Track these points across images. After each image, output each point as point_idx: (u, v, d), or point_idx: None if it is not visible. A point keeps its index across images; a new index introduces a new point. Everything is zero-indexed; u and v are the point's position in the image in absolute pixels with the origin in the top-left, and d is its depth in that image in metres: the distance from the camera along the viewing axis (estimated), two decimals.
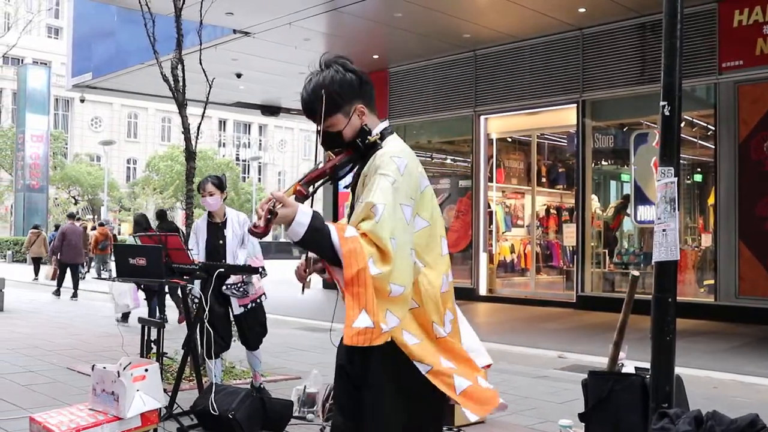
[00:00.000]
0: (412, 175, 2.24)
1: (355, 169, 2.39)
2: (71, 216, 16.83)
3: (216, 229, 5.51)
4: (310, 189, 2.26)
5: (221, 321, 5.52)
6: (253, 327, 5.63)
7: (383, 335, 2.09)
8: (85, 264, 19.67)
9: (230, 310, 5.60)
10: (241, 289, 5.47)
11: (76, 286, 14.91)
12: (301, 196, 2.17)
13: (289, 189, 2.17)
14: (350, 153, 2.34)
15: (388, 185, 2.16)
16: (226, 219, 5.53)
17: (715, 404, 4.10)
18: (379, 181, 2.17)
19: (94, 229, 21.77)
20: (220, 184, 5.49)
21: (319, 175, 2.29)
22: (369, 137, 2.33)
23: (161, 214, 11.83)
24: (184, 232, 10.85)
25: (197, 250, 5.51)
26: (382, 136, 2.36)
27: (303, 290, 2.42)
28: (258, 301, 5.65)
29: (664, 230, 3.51)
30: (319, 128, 2.32)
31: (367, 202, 2.14)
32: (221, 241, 5.46)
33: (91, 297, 15.17)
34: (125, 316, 9.95)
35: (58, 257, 15.04)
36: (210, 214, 5.58)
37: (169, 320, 9.21)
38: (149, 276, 4.97)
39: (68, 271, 15.14)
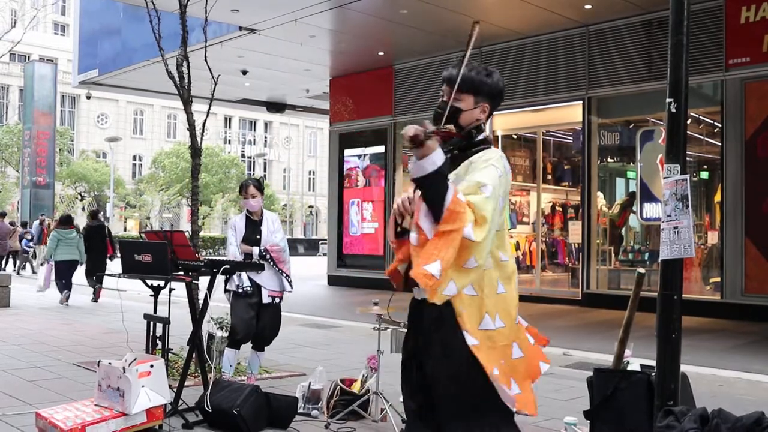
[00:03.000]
0: (508, 179, 2.50)
1: (448, 156, 2.51)
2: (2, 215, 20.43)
3: (254, 225, 5.86)
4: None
5: (249, 310, 5.67)
6: (269, 326, 5.76)
7: (440, 294, 2.28)
8: (11, 257, 22.35)
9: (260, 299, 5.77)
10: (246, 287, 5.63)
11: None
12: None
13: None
14: (463, 138, 2.56)
15: (497, 175, 2.40)
16: (262, 217, 5.90)
17: (721, 402, 4.09)
18: (489, 169, 2.41)
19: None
20: (260, 187, 5.90)
21: (447, 136, 2.48)
22: (484, 133, 2.60)
23: (93, 214, 14.16)
24: (109, 230, 14.44)
25: (236, 244, 5.80)
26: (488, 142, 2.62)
27: (396, 234, 2.54)
28: (279, 300, 5.81)
29: (676, 228, 3.50)
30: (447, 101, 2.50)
31: (477, 181, 2.36)
32: (258, 236, 5.80)
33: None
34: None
35: None
36: (249, 212, 5.92)
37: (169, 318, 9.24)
38: (155, 272, 4.98)
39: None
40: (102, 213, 50.97)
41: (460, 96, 2.53)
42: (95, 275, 13.00)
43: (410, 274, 2.28)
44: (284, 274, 5.75)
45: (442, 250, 2.22)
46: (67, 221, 13.22)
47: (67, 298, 12.60)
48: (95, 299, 13.04)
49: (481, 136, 2.58)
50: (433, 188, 2.26)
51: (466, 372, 2.35)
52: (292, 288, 5.84)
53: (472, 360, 2.34)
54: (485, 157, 2.46)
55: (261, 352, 5.93)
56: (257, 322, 5.76)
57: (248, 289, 5.66)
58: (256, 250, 5.70)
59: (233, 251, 5.76)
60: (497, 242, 2.44)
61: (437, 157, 2.26)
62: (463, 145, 2.56)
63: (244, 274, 5.64)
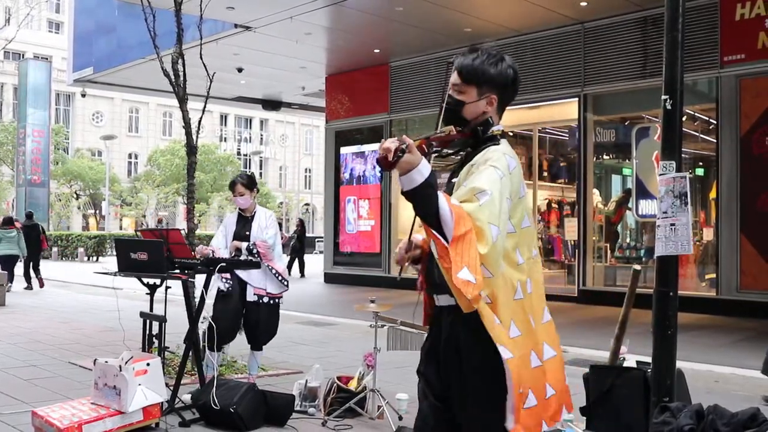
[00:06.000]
0: (517, 177, 2.28)
1: (459, 156, 2.42)
2: None
3: (245, 222, 5.84)
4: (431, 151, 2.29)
5: (234, 309, 5.61)
6: (262, 325, 5.70)
7: (481, 299, 2.12)
8: None
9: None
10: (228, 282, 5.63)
11: None
12: (422, 152, 2.16)
13: (416, 140, 2.16)
14: (468, 135, 2.37)
15: (497, 176, 2.20)
16: (255, 214, 5.86)
17: (717, 398, 4.10)
18: (488, 171, 2.22)
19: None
20: (249, 184, 5.80)
21: (444, 140, 2.32)
22: (493, 129, 2.37)
23: (29, 215, 16.97)
24: (43, 228, 15.89)
25: (225, 243, 5.78)
26: (502, 135, 2.40)
27: (400, 274, 2.43)
28: (276, 301, 5.75)
29: (673, 225, 3.50)
30: (446, 88, 2.38)
31: (473, 187, 2.17)
32: (247, 232, 5.76)
33: (94, 291, 15.19)
34: None
35: None
36: (240, 209, 5.89)
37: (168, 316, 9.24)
38: (150, 270, 4.98)
39: None
40: (99, 212, 50.98)
41: (463, 88, 2.38)
42: (34, 266, 15.97)
43: (451, 285, 2.07)
44: (274, 272, 5.68)
45: (464, 254, 2.05)
46: (8, 222, 15.38)
47: (9, 288, 14.19)
48: (41, 285, 15.88)
49: (494, 131, 2.38)
50: (424, 199, 2.08)
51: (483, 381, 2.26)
52: (287, 286, 5.77)
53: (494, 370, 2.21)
54: (485, 158, 2.27)
55: (259, 352, 5.87)
56: (246, 321, 5.70)
57: (228, 288, 5.59)
58: (244, 245, 5.66)
59: (215, 243, 5.78)
60: (513, 243, 2.28)
61: (423, 167, 2.07)
62: (471, 143, 2.38)
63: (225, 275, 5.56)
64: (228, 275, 5.57)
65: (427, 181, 2.07)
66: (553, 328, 2.47)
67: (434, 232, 2.08)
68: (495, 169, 2.21)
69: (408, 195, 2.10)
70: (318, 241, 38.70)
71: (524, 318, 2.31)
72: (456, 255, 2.05)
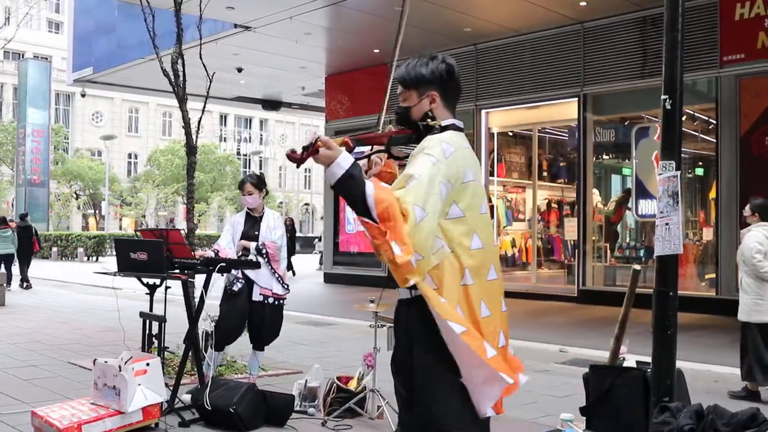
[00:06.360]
0: (455, 162, 2.35)
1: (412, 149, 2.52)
2: None
3: (253, 222, 5.83)
4: (366, 150, 2.46)
5: (241, 309, 5.62)
6: (267, 325, 5.70)
7: (414, 269, 2.20)
8: None
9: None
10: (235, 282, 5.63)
11: None
12: (347, 147, 2.32)
13: (338, 138, 2.31)
14: (410, 132, 2.51)
15: (429, 162, 2.29)
16: (263, 214, 5.86)
17: (717, 398, 4.10)
18: (422, 158, 2.32)
19: None
20: (258, 184, 5.80)
21: (372, 138, 2.50)
22: (428, 121, 2.48)
23: (22, 217, 17.40)
24: (35, 229, 16.34)
25: (233, 241, 5.76)
26: (446, 128, 2.48)
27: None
28: (281, 301, 5.75)
29: (667, 224, 3.51)
30: (385, 97, 2.54)
31: (405, 174, 2.29)
32: (256, 233, 5.75)
33: (94, 291, 15.19)
34: None
35: None
36: (249, 209, 5.89)
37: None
38: (150, 270, 4.97)
39: None
40: (98, 212, 50.96)
41: (406, 95, 2.53)
42: (25, 266, 16.22)
43: (384, 258, 2.20)
44: (276, 275, 5.68)
45: (392, 230, 2.15)
46: (2, 222, 15.60)
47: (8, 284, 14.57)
48: (29, 286, 15.96)
49: (429, 122, 2.49)
50: (348, 189, 2.21)
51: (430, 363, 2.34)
52: (288, 289, 5.75)
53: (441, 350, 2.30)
54: (422, 146, 2.38)
55: (260, 352, 5.87)
56: (251, 320, 5.72)
57: (239, 284, 5.61)
58: (253, 245, 5.65)
59: (221, 241, 5.77)
60: (465, 229, 2.35)
61: (342, 160, 2.21)
62: (415, 138, 2.51)
63: (236, 273, 5.59)
64: (240, 275, 5.59)
65: (348, 173, 2.20)
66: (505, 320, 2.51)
67: (364, 218, 2.20)
68: (428, 156, 2.31)
69: (334, 188, 2.25)
70: (317, 241, 38.75)
71: (470, 304, 2.35)
72: (385, 230, 2.16)
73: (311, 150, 2.22)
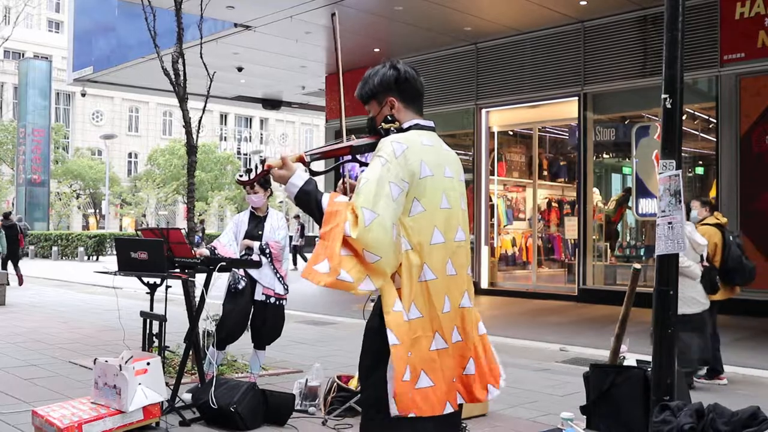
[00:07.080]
0: (408, 160, 2.36)
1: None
2: None
3: (257, 221, 5.82)
4: (332, 163, 2.63)
5: (243, 308, 5.62)
6: (269, 325, 5.70)
7: (357, 289, 2.28)
8: None
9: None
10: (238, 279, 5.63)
11: None
12: (303, 163, 2.47)
13: (293, 155, 2.45)
14: (373, 138, 2.60)
15: (379, 165, 2.34)
16: (267, 213, 5.84)
17: (717, 397, 4.10)
18: (374, 161, 2.38)
19: None
20: (264, 182, 5.71)
21: (331, 152, 2.62)
22: (383, 124, 2.56)
23: (6, 215, 17.39)
24: (20, 227, 16.78)
25: (237, 240, 5.74)
26: (407, 129, 2.53)
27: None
28: (282, 302, 5.74)
29: (670, 223, 3.50)
30: (343, 108, 2.77)
31: (359, 177, 2.36)
32: (260, 232, 5.74)
33: (94, 291, 15.20)
34: None
35: None
36: (253, 208, 5.86)
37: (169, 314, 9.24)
38: (151, 269, 4.97)
39: None
40: (99, 211, 50.95)
41: (369, 107, 2.64)
42: (14, 263, 16.55)
43: (302, 275, 2.32)
44: (278, 275, 5.67)
45: (328, 248, 2.25)
46: (6, 216, 16.52)
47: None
48: (20, 283, 16.08)
49: (384, 126, 2.57)
50: (304, 204, 2.37)
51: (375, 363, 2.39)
52: (287, 290, 5.73)
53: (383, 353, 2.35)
54: (377, 148, 2.44)
55: (262, 351, 5.86)
56: (253, 320, 5.72)
57: (243, 282, 5.60)
58: (256, 244, 5.63)
59: (222, 239, 5.73)
60: (422, 225, 2.36)
61: (296, 179, 2.36)
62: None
63: (240, 272, 5.60)
64: (243, 273, 5.59)
65: (302, 189, 2.36)
66: (473, 314, 2.52)
67: (322, 229, 2.32)
68: (379, 158, 2.37)
69: (295, 203, 2.40)
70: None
71: (429, 300, 2.37)
72: (320, 248, 2.28)
73: (261, 172, 2.41)
